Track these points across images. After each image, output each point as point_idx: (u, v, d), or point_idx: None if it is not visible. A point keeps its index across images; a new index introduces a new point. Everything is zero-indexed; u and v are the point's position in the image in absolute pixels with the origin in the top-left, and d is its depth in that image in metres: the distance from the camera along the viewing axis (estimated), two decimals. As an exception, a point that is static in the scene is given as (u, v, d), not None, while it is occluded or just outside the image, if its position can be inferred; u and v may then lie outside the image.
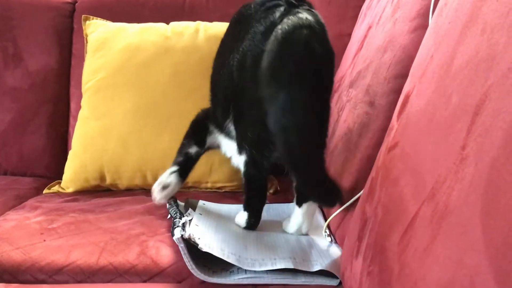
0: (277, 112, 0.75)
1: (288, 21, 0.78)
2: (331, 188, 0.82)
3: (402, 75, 0.80)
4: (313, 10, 0.85)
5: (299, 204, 0.94)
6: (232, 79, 0.91)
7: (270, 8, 0.86)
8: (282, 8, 0.84)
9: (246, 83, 0.88)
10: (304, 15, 0.80)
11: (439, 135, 0.50)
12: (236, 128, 0.95)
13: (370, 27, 1.10)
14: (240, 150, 0.94)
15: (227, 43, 1.00)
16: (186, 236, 0.81)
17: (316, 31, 0.80)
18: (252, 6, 0.91)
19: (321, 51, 0.79)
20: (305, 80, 0.76)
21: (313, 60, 0.78)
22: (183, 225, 0.86)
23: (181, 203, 1.07)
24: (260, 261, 0.82)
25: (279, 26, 0.79)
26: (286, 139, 0.75)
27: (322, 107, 0.87)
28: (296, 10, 0.82)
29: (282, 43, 0.77)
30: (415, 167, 0.54)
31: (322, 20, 0.85)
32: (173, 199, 1.07)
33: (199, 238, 0.82)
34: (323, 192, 0.83)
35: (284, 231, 0.97)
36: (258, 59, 0.80)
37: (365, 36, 1.10)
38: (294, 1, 0.84)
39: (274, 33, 0.78)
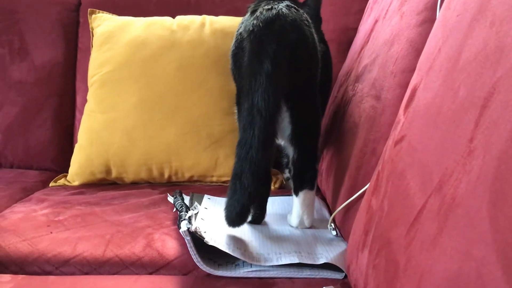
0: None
1: (258, 16, 0.85)
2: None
3: (409, 69, 0.80)
4: (287, 2, 0.89)
5: (296, 193, 0.95)
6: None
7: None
8: (255, 3, 0.92)
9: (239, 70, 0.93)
10: (271, 5, 0.85)
11: (446, 128, 0.50)
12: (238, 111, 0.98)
13: (376, 21, 1.09)
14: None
15: None
16: (193, 229, 0.81)
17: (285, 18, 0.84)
18: None
19: (292, 40, 0.84)
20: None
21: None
22: (190, 219, 0.87)
23: (186, 197, 1.08)
24: (266, 256, 0.83)
25: (251, 22, 0.85)
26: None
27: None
28: (269, 2, 0.88)
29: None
30: (422, 160, 0.54)
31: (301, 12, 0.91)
32: (178, 192, 1.07)
33: (205, 232, 0.82)
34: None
35: (289, 225, 0.98)
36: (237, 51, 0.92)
37: (372, 30, 1.09)
38: None
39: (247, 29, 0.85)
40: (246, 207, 0.79)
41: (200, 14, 1.46)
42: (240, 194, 0.78)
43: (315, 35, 0.92)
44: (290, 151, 0.94)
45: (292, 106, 0.88)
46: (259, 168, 0.78)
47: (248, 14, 0.91)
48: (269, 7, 0.85)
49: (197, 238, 0.81)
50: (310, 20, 0.93)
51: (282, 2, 0.88)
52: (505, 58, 0.42)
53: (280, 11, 0.84)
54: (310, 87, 0.92)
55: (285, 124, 0.90)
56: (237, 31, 0.95)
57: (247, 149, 0.77)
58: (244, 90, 0.82)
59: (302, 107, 0.91)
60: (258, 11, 0.85)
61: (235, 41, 0.94)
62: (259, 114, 0.78)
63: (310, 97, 0.92)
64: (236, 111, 0.99)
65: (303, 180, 0.94)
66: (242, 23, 0.93)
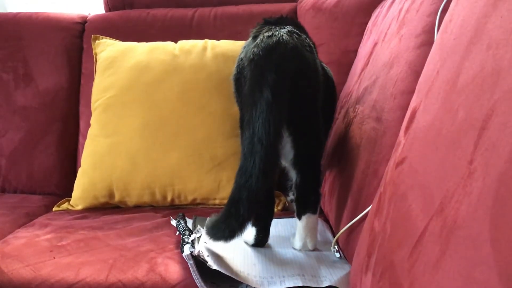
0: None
1: (258, 43, 0.84)
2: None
3: (408, 91, 0.80)
4: (288, 27, 0.89)
5: (299, 217, 0.95)
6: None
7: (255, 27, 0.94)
8: (257, 27, 0.92)
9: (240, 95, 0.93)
10: (272, 32, 0.85)
11: (446, 150, 0.50)
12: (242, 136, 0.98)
13: (376, 43, 1.11)
14: None
15: None
16: (196, 253, 0.81)
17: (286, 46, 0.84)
18: None
19: (293, 69, 0.84)
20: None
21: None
22: (192, 242, 0.86)
23: (189, 220, 1.07)
24: (269, 279, 0.82)
25: (251, 49, 0.85)
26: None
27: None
28: (270, 28, 0.88)
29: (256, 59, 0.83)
30: (423, 182, 0.54)
31: (304, 36, 0.91)
32: (181, 215, 1.07)
33: (208, 256, 0.82)
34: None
35: (292, 247, 0.97)
36: (238, 76, 0.92)
37: (371, 53, 1.11)
38: (272, 21, 0.91)
39: (248, 56, 0.85)
40: (235, 234, 0.78)
41: (202, 38, 1.49)
42: (234, 220, 0.77)
43: (317, 60, 0.92)
44: (293, 174, 0.94)
45: (294, 131, 0.88)
46: (257, 197, 0.78)
47: (250, 39, 0.91)
48: (270, 34, 0.85)
49: (200, 262, 0.81)
50: (312, 45, 0.93)
51: (284, 28, 0.88)
52: (502, 81, 0.43)
53: (281, 38, 0.84)
54: (312, 113, 0.92)
55: (287, 149, 0.90)
56: (239, 56, 0.95)
57: (246, 178, 0.77)
58: (245, 118, 0.81)
59: (304, 132, 0.90)
60: (259, 38, 0.85)
61: (237, 66, 0.94)
62: (259, 143, 0.77)
63: (312, 122, 0.92)
64: (240, 135, 0.99)
65: (306, 204, 0.94)
66: (244, 47, 0.93)
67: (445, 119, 0.53)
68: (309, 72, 0.88)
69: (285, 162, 0.93)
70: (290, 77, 0.82)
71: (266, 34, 0.85)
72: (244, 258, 0.90)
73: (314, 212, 0.94)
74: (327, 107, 1.00)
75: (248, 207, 0.76)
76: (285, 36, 0.84)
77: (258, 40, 0.85)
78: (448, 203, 0.46)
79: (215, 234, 0.79)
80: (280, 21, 0.94)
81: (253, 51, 0.83)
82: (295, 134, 0.89)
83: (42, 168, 1.55)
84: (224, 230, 0.78)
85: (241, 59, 0.91)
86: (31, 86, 1.60)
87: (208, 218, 0.98)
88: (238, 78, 0.92)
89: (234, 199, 0.78)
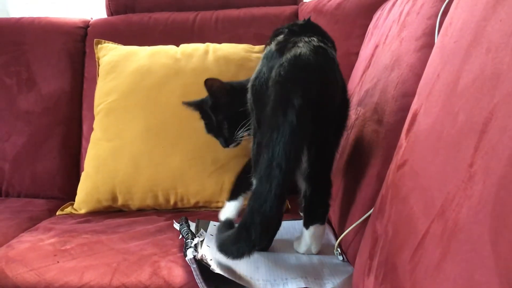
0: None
1: (284, 63, 0.80)
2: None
3: (409, 94, 0.81)
4: (314, 38, 0.86)
5: (306, 226, 0.93)
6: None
7: (275, 35, 0.90)
8: (282, 36, 0.88)
9: (258, 110, 0.90)
10: (299, 50, 0.81)
11: (447, 153, 0.50)
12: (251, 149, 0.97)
13: (377, 46, 1.11)
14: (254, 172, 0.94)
15: None
16: (199, 257, 0.81)
17: (313, 69, 0.81)
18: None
19: (318, 93, 0.81)
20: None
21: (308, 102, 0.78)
22: (195, 246, 0.87)
23: (192, 223, 1.08)
24: (272, 282, 0.82)
25: (276, 69, 0.81)
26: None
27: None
28: (295, 41, 0.84)
29: (279, 92, 0.79)
30: (424, 185, 0.54)
31: (329, 44, 0.88)
32: (184, 219, 1.07)
33: (211, 259, 0.83)
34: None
35: (295, 251, 0.97)
36: (259, 85, 0.86)
37: (372, 55, 1.11)
38: (296, 29, 0.87)
39: (272, 76, 0.81)
40: (244, 256, 0.77)
41: (203, 41, 1.49)
42: (244, 244, 0.76)
43: (337, 74, 0.89)
44: (302, 186, 0.92)
45: (310, 149, 0.86)
46: (270, 222, 0.77)
47: (274, 50, 0.86)
48: (297, 53, 0.81)
49: (203, 266, 0.81)
50: (335, 53, 0.91)
51: (309, 42, 0.84)
52: (502, 84, 0.43)
53: (307, 59, 0.80)
54: (330, 131, 0.90)
55: (302, 166, 0.87)
56: (260, 66, 0.89)
57: (260, 203, 0.74)
58: (264, 139, 0.78)
59: (321, 150, 0.88)
60: (285, 57, 0.81)
61: (256, 77, 0.89)
62: (278, 168, 0.74)
63: (329, 140, 0.90)
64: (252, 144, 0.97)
65: (314, 215, 0.92)
66: (267, 59, 0.87)
67: (446, 122, 0.53)
68: (333, 92, 0.87)
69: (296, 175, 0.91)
70: (315, 101, 0.79)
71: (293, 52, 0.81)
72: (247, 262, 0.90)
73: (322, 223, 0.93)
74: (342, 116, 0.97)
75: (260, 232, 0.74)
76: (312, 57, 0.81)
77: (283, 60, 0.81)
78: (449, 206, 0.46)
79: (225, 252, 0.79)
80: (304, 29, 0.90)
81: (279, 72, 0.80)
82: (311, 152, 0.87)
83: (45, 172, 1.55)
84: (233, 252, 0.77)
85: (263, 72, 0.86)
86: (34, 90, 1.61)
87: (211, 224, 0.98)
88: (257, 90, 0.89)
89: (247, 222, 0.76)
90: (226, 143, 1.15)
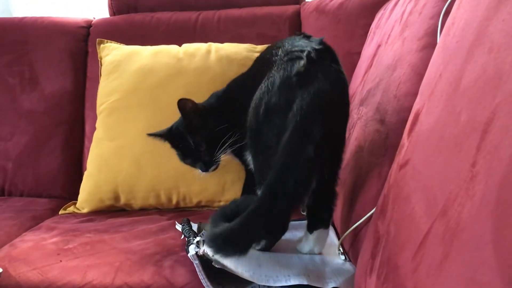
0: None
1: (306, 98, 0.79)
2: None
3: (411, 93, 0.81)
4: (332, 66, 0.86)
5: (310, 231, 0.93)
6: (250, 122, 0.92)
7: (291, 59, 0.86)
8: (301, 63, 0.84)
9: (260, 128, 0.88)
10: (321, 84, 0.81)
11: (449, 152, 0.50)
12: (253, 165, 0.95)
13: (379, 46, 1.11)
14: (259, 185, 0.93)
15: (251, 82, 0.99)
16: (201, 252, 0.82)
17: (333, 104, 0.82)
18: (279, 51, 0.91)
19: (337, 126, 0.85)
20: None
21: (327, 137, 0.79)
22: (198, 243, 0.87)
23: (194, 224, 1.08)
24: (274, 278, 0.83)
25: (298, 102, 0.80)
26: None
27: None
28: (315, 71, 0.83)
29: (300, 126, 0.78)
30: (426, 185, 0.54)
31: (342, 68, 0.88)
32: (186, 220, 1.08)
33: (213, 256, 0.83)
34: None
35: (297, 250, 0.98)
36: (272, 110, 0.84)
37: (375, 55, 1.11)
38: (314, 56, 0.85)
39: (293, 109, 0.80)
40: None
41: (205, 41, 1.49)
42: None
43: (347, 89, 0.90)
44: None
45: (323, 170, 0.85)
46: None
47: (294, 80, 0.83)
48: (319, 87, 0.80)
49: (205, 263, 0.81)
50: (340, 63, 0.90)
51: (329, 70, 0.85)
52: (504, 84, 0.43)
53: (329, 93, 0.81)
54: (341, 154, 0.90)
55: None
56: (272, 79, 0.86)
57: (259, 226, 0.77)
58: (274, 167, 0.77)
59: (330, 171, 0.88)
60: (307, 90, 0.80)
61: (266, 98, 0.86)
62: (286, 198, 0.76)
63: (340, 157, 0.90)
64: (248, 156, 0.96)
65: (319, 220, 0.92)
66: (284, 86, 0.84)
67: (448, 121, 0.53)
68: (347, 120, 0.89)
69: None
70: (334, 134, 0.82)
71: (315, 87, 0.80)
72: (250, 260, 0.90)
73: (326, 227, 0.93)
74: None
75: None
76: (332, 91, 0.82)
77: (305, 95, 0.79)
78: (451, 205, 0.46)
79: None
80: (321, 55, 0.87)
81: (302, 105, 0.79)
82: (322, 176, 0.85)
83: (48, 171, 1.56)
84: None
85: (279, 99, 0.84)
86: (37, 90, 1.61)
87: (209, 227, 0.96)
88: (270, 110, 0.86)
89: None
90: (206, 167, 1.11)
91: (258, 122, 0.88)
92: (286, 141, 0.78)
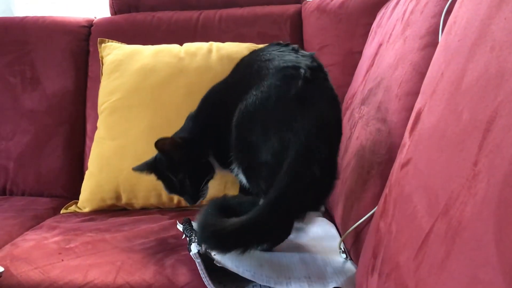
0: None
1: (308, 118, 0.82)
2: None
3: (413, 92, 0.81)
4: (325, 84, 0.89)
5: None
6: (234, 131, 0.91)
7: (285, 77, 0.86)
8: (299, 83, 0.84)
9: (253, 143, 0.87)
10: (321, 104, 0.84)
11: (451, 151, 0.50)
12: (246, 177, 0.95)
13: (380, 45, 1.11)
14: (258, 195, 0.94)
15: (232, 90, 0.99)
16: (203, 251, 0.82)
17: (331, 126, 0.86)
18: (269, 64, 0.90)
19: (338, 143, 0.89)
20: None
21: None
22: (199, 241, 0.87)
23: (195, 223, 1.08)
24: (275, 279, 0.83)
25: (299, 122, 0.81)
26: None
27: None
28: (313, 90, 0.85)
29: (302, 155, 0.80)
30: (428, 184, 0.54)
31: (332, 85, 0.91)
32: (186, 219, 1.07)
33: (214, 254, 0.83)
34: None
35: (298, 250, 0.97)
36: (268, 128, 0.84)
37: (376, 54, 1.11)
38: (309, 76, 0.85)
39: (294, 129, 0.81)
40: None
41: (207, 40, 1.49)
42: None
43: (340, 106, 0.93)
44: None
45: None
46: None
47: (293, 99, 0.84)
48: (320, 113, 0.83)
49: (207, 263, 0.81)
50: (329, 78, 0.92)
51: (325, 90, 0.88)
52: (506, 83, 0.43)
53: (329, 117, 0.84)
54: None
55: None
56: (266, 95, 0.86)
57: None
58: (279, 185, 0.79)
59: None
60: (308, 112, 0.82)
61: (264, 102, 0.86)
62: (286, 215, 0.81)
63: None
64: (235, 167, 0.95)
65: None
66: (280, 101, 0.85)
67: (450, 120, 0.53)
68: (341, 134, 0.92)
69: None
70: (335, 149, 0.87)
71: (316, 111, 0.82)
72: (251, 260, 0.90)
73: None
74: None
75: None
76: (331, 113, 0.86)
77: (305, 121, 0.81)
78: (453, 204, 0.46)
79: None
80: (315, 74, 0.88)
81: (304, 125, 0.80)
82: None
83: (49, 170, 1.56)
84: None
85: (279, 114, 0.85)
86: (38, 89, 1.61)
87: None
88: (265, 118, 0.86)
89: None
90: (193, 200, 1.11)
91: (251, 136, 0.87)
92: (292, 161, 0.80)
